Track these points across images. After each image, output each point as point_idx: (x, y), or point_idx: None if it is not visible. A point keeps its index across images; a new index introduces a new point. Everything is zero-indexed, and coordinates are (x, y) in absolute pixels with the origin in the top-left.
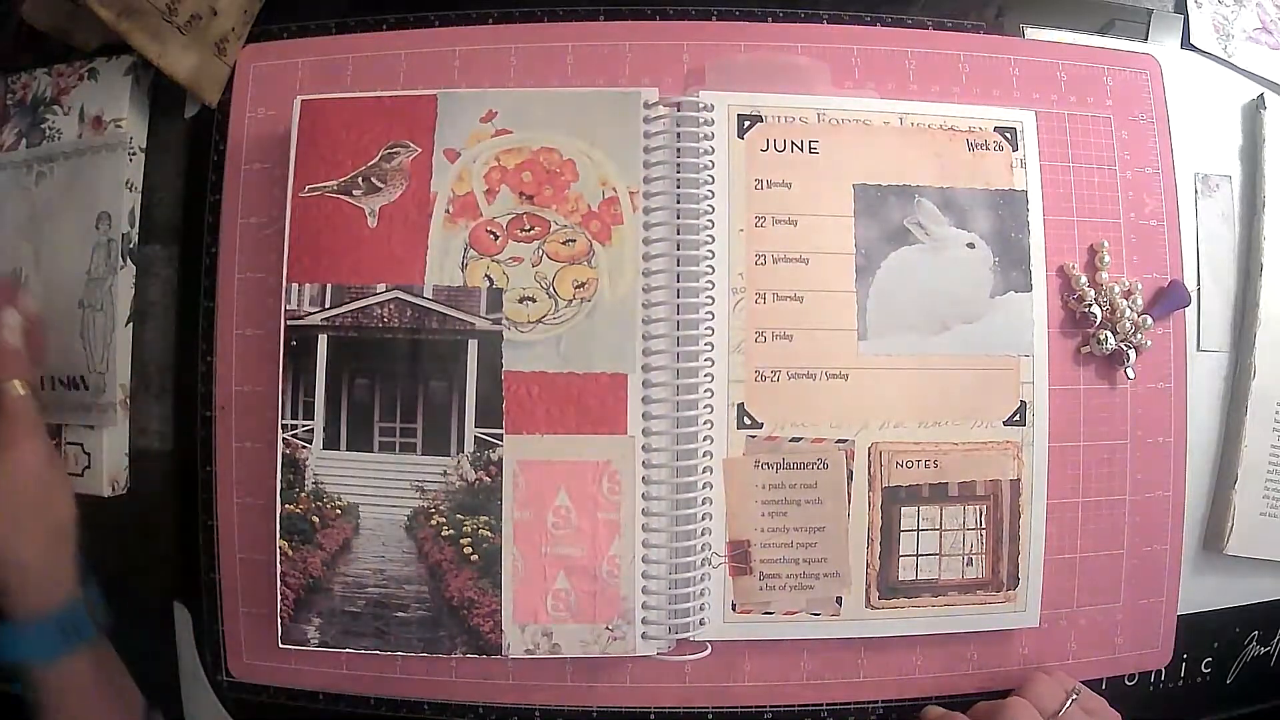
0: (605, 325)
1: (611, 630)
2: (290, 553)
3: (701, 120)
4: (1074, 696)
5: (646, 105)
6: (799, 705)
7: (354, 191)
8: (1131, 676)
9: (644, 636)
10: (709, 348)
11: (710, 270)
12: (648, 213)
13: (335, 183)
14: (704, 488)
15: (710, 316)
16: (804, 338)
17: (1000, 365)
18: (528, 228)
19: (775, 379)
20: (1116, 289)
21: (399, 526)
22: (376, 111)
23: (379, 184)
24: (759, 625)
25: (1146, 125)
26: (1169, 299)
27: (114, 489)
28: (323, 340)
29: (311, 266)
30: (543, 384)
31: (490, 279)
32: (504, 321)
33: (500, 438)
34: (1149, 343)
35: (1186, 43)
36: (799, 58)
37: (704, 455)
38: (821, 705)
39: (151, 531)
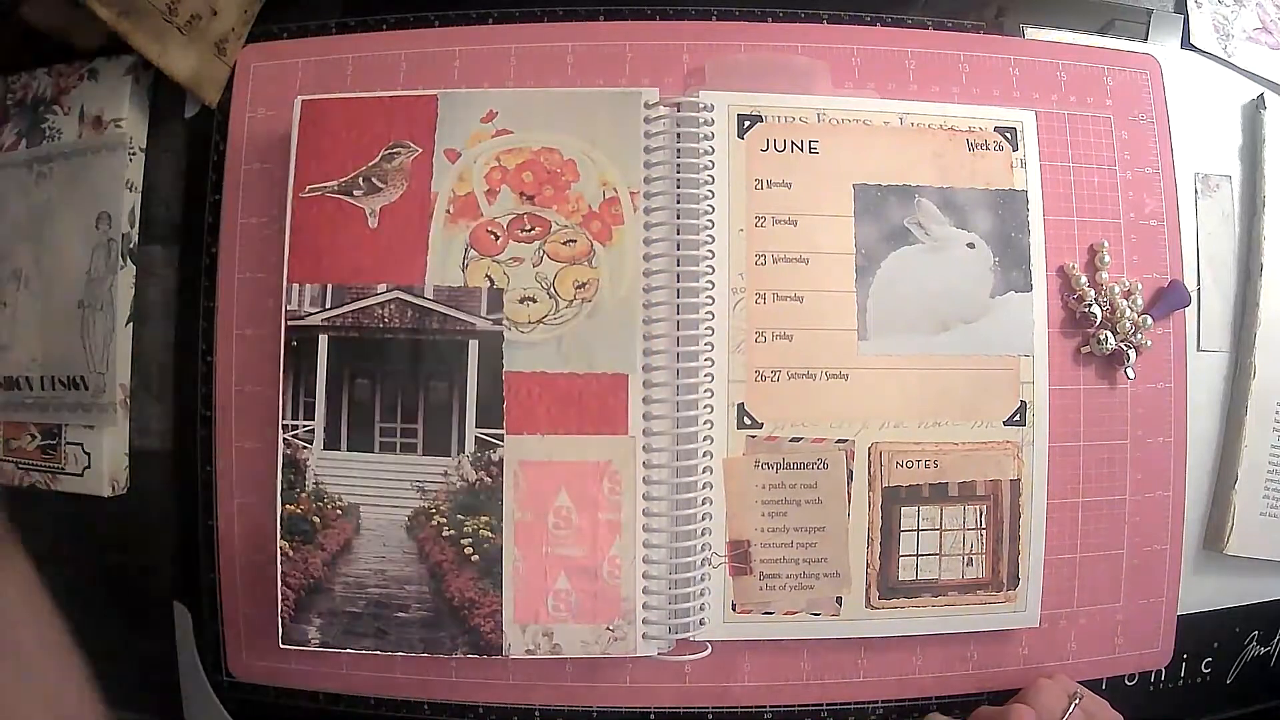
0: (606, 325)
1: (612, 630)
2: (291, 553)
3: (701, 120)
4: (1076, 701)
5: (647, 105)
6: (799, 705)
7: (354, 191)
8: (1131, 676)
9: (644, 637)
10: (709, 348)
11: (710, 270)
12: (648, 213)
13: (336, 183)
14: (704, 488)
15: (710, 316)
16: (804, 338)
17: (1000, 365)
18: (528, 228)
19: (775, 379)
20: (1116, 289)
21: (400, 527)
22: (377, 111)
23: (379, 184)
24: (759, 625)
25: (1146, 125)
26: (1169, 299)
27: (114, 489)
28: (323, 340)
29: (312, 267)
30: (543, 384)
31: (491, 279)
32: (505, 322)
33: (501, 438)
34: (1149, 343)
35: (1186, 43)
36: (799, 58)
37: (704, 455)
38: (821, 705)
39: (151, 531)
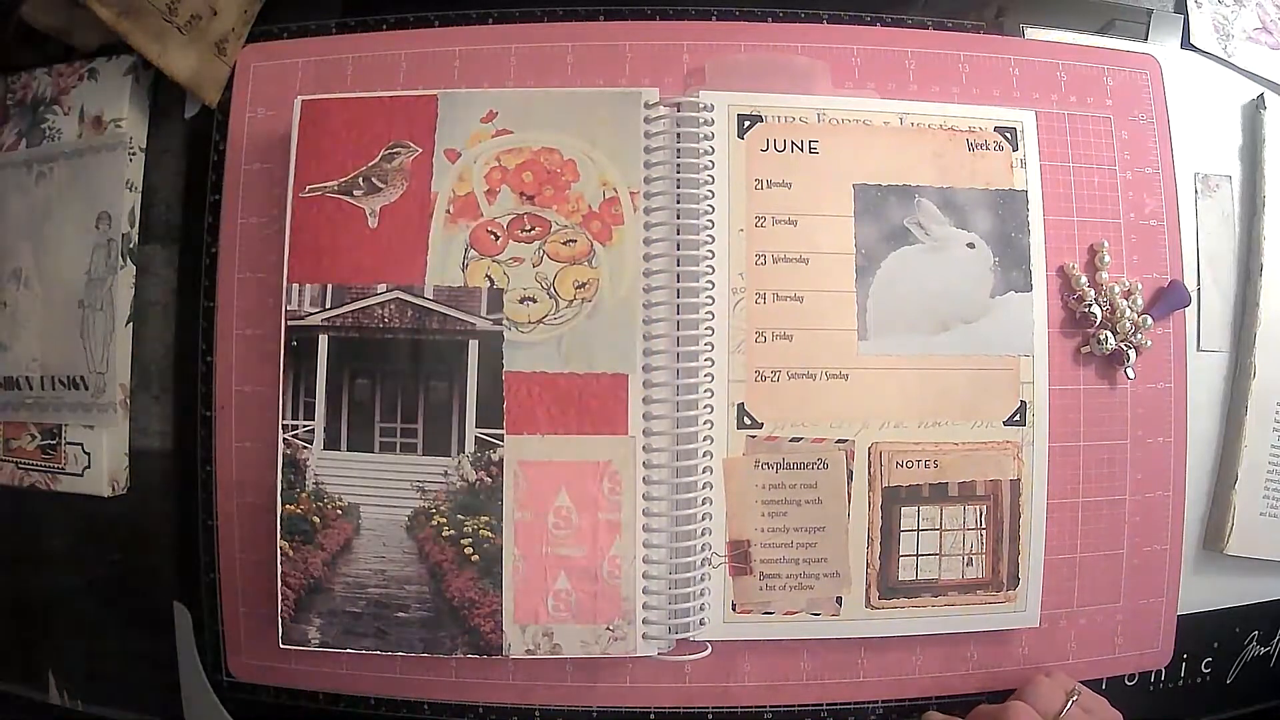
0: (606, 325)
1: (612, 630)
2: (291, 553)
3: (701, 120)
4: (1074, 698)
5: (647, 105)
6: (799, 705)
7: (354, 191)
8: (1131, 676)
9: (644, 637)
10: (709, 348)
11: (710, 270)
12: (648, 213)
13: (336, 183)
14: (704, 488)
15: (710, 316)
16: (804, 338)
17: (1000, 365)
18: (528, 228)
19: (775, 379)
20: (1116, 289)
21: (400, 527)
22: (377, 111)
23: (380, 184)
24: (759, 625)
25: (1146, 125)
26: (1169, 299)
27: (114, 489)
28: (323, 340)
29: (312, 267)
30: (543, 384)
31: (491, 279)
32: (505, 322)
33: (501, 438)
34: (1149, 343)
35: (1186, 43)
36: (799, 58)
37: (704, 455)
38: (821, 705)
39: (151, 531)
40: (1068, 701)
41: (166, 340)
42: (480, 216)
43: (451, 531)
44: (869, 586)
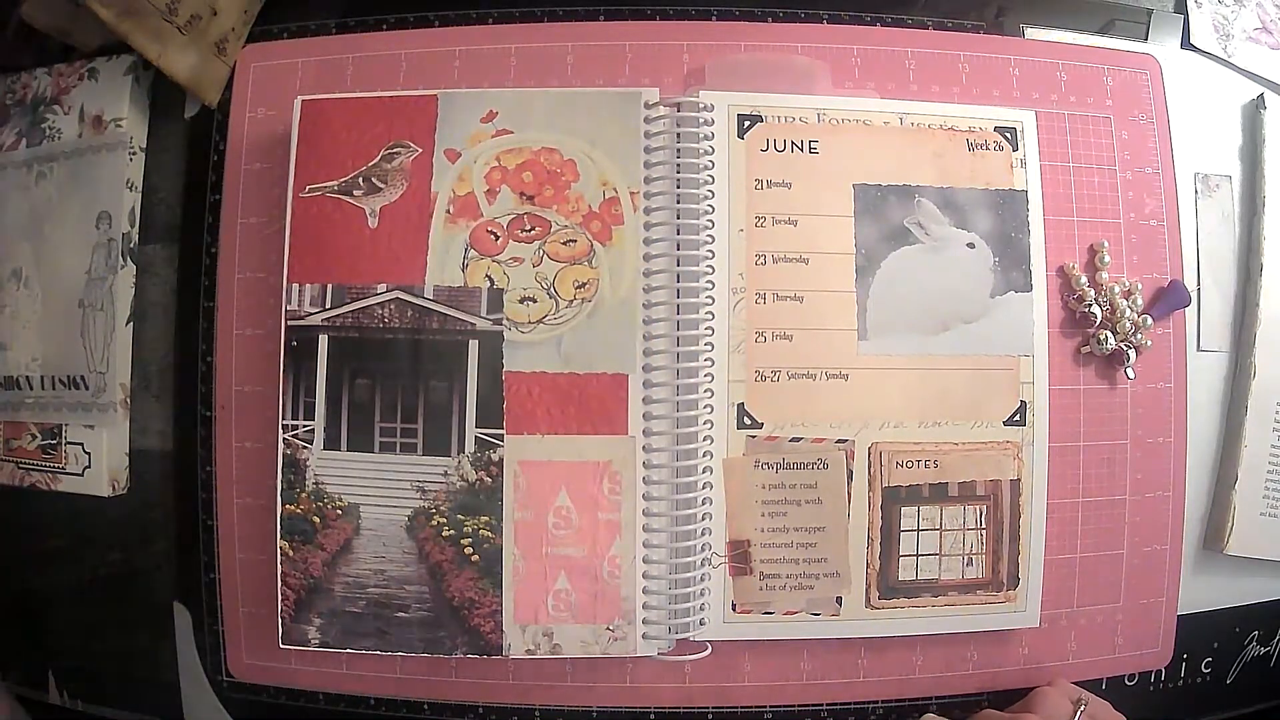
0: (606, 325)
1: (612, 630)
2: (291, 553)
3: (701, 120)
4: (1082, 707)
5: (647, 105)
6: (799, 705)
7: (354, 191)
8: (1131, 676)
9: (644, 637)
10: (709, 348)
11: (710, 270)
12: (648, 213)
13: (336, 183)
14: (704, 488)
15: (710, 316)
16: (804, 338)
17: (1000, 365)
18: (528, 228)
19: (775, 379)
20: (1116, 289)
21: (400, 527)
22: (377, 111)
23: (380, 184)
24: (759, 625)
25: (1146, 125)
26: (1169, 299)
27: (114, 489)
28: (323, 340)
29: (312, 266)
30: (543, 384)
31: (491, 279)
32: (505, 322)
33: (501, 438)
34: (1149, 343)
35: (1186, 43)
36: (799, 58)
37: (704, 455)
38: (821, 705)
39: (151, 531)
40: (1075, 712)
41: (166, 340)
42: (480, 216)
43: (451, 531)
44: (869, 586)
